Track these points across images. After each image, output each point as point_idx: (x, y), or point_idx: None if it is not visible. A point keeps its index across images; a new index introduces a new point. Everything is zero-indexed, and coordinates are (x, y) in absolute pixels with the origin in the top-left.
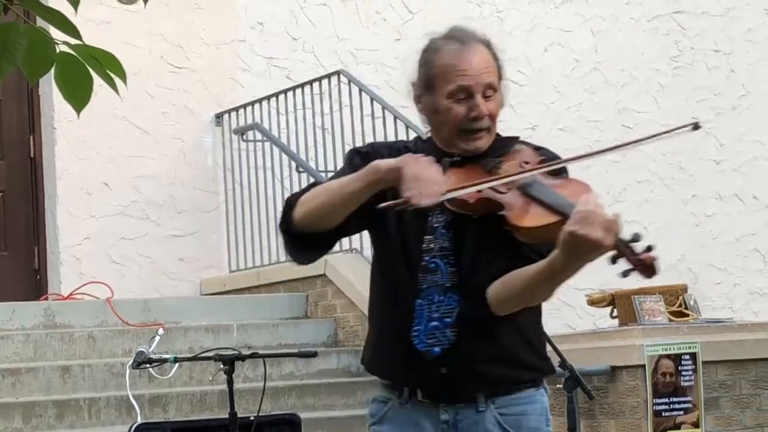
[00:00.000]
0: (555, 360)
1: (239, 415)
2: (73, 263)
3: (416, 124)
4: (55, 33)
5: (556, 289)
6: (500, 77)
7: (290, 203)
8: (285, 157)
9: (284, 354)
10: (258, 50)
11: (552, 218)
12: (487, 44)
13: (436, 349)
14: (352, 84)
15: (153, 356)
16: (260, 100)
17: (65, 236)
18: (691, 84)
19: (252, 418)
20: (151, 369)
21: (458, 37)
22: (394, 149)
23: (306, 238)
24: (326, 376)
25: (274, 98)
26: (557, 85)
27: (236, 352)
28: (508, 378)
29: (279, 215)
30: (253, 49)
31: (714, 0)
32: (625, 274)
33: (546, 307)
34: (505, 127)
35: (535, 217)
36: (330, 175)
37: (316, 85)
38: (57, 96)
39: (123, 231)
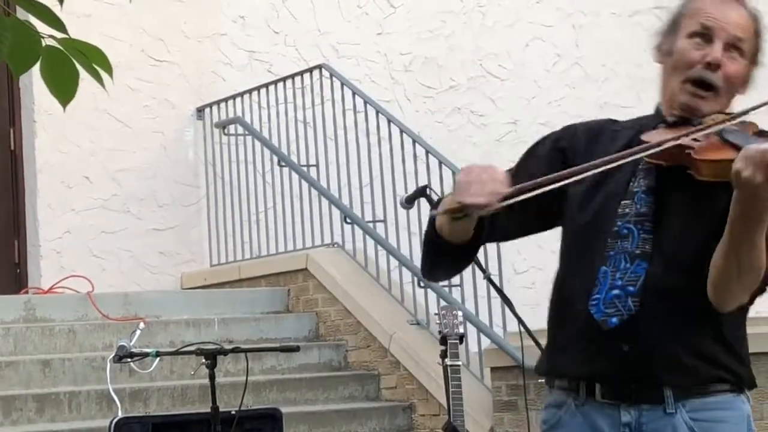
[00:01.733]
0: (537, 354)
1: (221, 410)
2: (53, 257)
3: (399, 119)
4: (40, 27)
5: (755, 255)
6: (755, 52)
7: (433, 216)
8: (266, 151)
9: (266, 348)
10: (239, 44)
11: (733, 154)
12: (753, 16)
13: (614, 319)
14: (333, 78)
15: (134, 350)
16: (242, 94)
17: (45, 230)
18: None
19: (233, 412)
20: (131, 363)
21: None
22: (592, 129)
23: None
24: (307, 371)
25: (255, 92)
26: (538, 80)
27: (218, 347)
28: (702, 373)
29: (261, 209)
30: (234, 42)
31: None
32: None
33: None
34: (486, 121)
35: (718, 152)
36: (312, 170)
37: (297, 79)
38: (38, 89)
39: (103, 225)
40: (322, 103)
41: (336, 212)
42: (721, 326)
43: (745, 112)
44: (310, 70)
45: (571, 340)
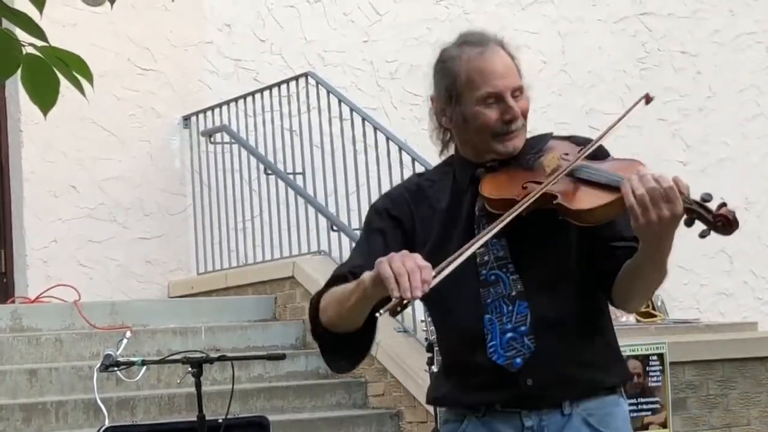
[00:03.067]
0: None
1: (207, 418)
2: (39, 266)
3: (385, 126)
4: (21, 35)
5: (665, 269)
6: (521, 75)
7: (313, 311)
8: (253, 159)
9: (253, 356)
10: (225, 52)
11: (610, 197)
12: (502, 44)
13: (518, 360)
14: (320, 86)
15: (120, 359)
16: (228, 102)
17: (32, 239)
18: (657, 85)
19: (220, 420)
20: (118, 372)
21: (474, 41)
22: (412, 192)
23: (347, 337)
24: (295, 379)
25: (241, 100)
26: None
27: (204, 355)
28: (594, 382)
29: (247, 217)
30: (220, 51)
31: (680, 1)
32: (703, 234)
33: None
34: None
35: (592, 198)
36: (298, 178)
37: (284, 87)
38: (23, 98)
39: (90, 234)
40: (309, 110)
41: (323, 220)
42: (605, 333)
43: (589, 148)
44: (296, 78)
45: (470, 380)
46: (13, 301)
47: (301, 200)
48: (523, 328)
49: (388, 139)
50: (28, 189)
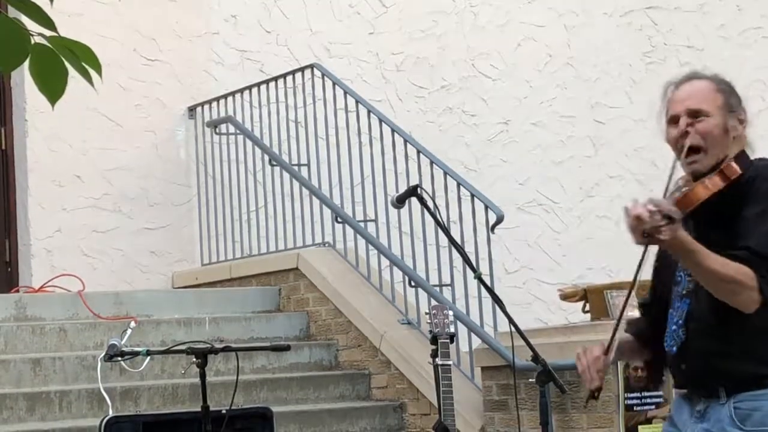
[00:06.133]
0: (528, 354)
1: (211, 409)
2: (44, 256)
3: (390, 118)
4: (30, 25)
5: (710, 278)
6: (724, 104)
7: None
8: (258, 151)
9: (257, 347)
10: (231, 43)
11: None
12: (712, 79)
13: (674, 348)
14: (325, 77)
15: (125, 349)
16: (233, 93)
17: (37, 229)
18: (663, 79)
19: (224, 411)
20: (122, 362)
21: (685, 76)
22: None
23: None
24: (298, 370)
25: (247, 91)
26: (530, 80)
27: (209, 346)
28: (746, 373)
29: (252, 208)
30: (226, 41)
31: None
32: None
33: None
34: (478, 121)
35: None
36: (303, 169)
37: (289, 78)
38: (29, 88)
39: (95, 224)
40: (314, 102)
41: (327, 211)
42: (744, 332)
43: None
44: (302, 70)
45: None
46: (18, 291)
47: (305, 192)
48: (680, 321)
49: (393, 131)
50: (32, 179)
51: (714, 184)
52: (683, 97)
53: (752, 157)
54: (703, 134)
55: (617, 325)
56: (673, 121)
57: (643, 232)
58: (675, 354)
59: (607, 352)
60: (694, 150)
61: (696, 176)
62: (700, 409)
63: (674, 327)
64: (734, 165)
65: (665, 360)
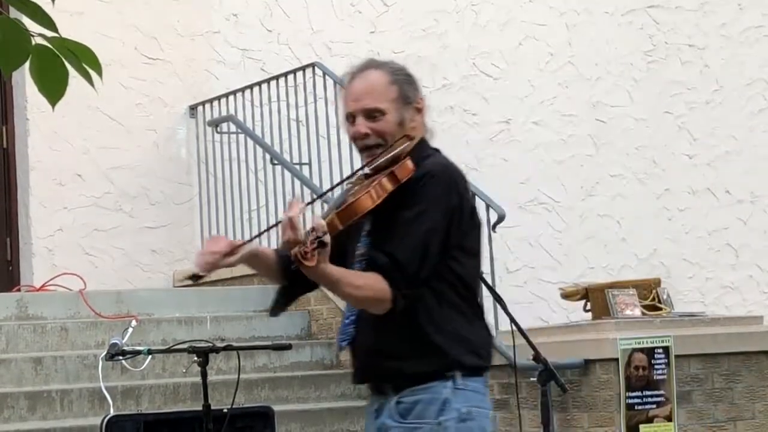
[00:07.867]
0: (529, 353)
1: (212, 408)
2: (45, 254)
3: None
4: (30, 25)
5: (346, 299)
6: (399, 98)
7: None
8: (259, 150)
9: (258, 346)
10: (232, 42)
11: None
12: (387, 69)
13: (343, 342)
14: (326, 76)
15: (126, 348)
16: (234, 92)
17: (38, 227)
18: (664, 78)
19: (225, 410)
20: (124, 361)
21: (360, 66)
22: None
23: None
24: (299, 369)
25: (248, 90)
26: (531, 79)
27: (210, 345)
28: (408, 371)
29: (253, 207)
30: (227, 40)
31: None
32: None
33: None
34: (479, 120)
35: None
36: (304, 168)
37: (290, 77)
38: (30, 87)
39: (96, 222)
40: (315, 101)
41: None
42: (419, 324)
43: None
44: (303, 69)
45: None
46: (19, 290)
47: (307, 191)
48: (352, 317)
49: None
50: (34, 177)
51: (383, 189)
52: (358, 95)
53: (432, 144)
54: (380, 134)
55: (258, 236)
56: (350, 118)
57: (295, 255)
58: (344, 349)
59: (232, 253)
60: (374, 147)
61: (378, 169)
62: (377, 407)
63: (347, 322)
64: (408, 164)
65: (293, 297)
